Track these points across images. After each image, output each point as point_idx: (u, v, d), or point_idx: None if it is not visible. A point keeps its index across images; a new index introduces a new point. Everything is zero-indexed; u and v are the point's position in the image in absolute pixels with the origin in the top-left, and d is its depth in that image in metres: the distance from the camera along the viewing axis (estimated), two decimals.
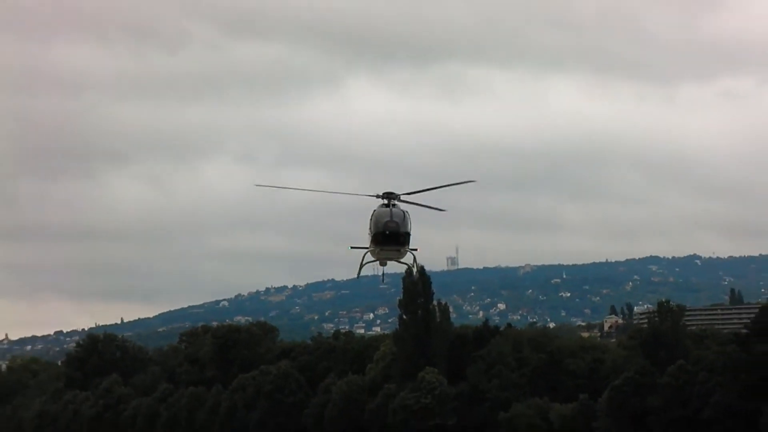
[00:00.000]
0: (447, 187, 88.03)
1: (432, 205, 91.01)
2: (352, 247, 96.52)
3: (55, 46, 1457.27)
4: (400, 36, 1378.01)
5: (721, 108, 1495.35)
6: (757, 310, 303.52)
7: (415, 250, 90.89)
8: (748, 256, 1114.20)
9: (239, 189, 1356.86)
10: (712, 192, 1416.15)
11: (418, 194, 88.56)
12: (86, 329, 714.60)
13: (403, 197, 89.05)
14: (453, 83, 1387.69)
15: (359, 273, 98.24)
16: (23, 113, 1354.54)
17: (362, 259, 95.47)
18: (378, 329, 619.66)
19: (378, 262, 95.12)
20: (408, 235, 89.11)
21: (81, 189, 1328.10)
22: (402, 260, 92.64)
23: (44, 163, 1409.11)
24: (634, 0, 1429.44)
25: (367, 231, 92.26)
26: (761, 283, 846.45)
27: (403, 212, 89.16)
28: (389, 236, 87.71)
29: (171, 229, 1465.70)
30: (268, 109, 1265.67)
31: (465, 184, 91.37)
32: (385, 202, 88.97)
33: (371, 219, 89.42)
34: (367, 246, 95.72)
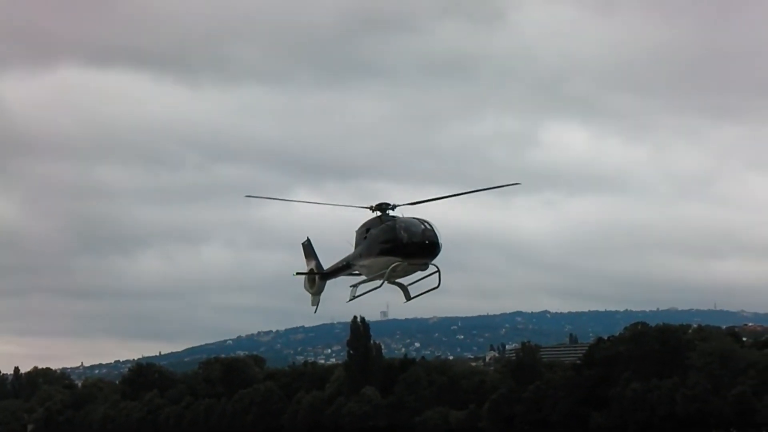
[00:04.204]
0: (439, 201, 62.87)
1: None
2: (296, 273, 71.95)
3: (95, 168, 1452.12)
4: (329, 161, 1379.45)
5: (543, 212, 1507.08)
6: (586, 349, 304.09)
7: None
8: (580, 311, 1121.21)
9: (225, 264, 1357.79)
10: (544, 267, 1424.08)
11: (418, 205, 62.51)
12: (135, 359, 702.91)
13: (399, 208, 62.57)
14: (363, 193, 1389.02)
15: (352, 298, 65.34)
16: (77, 213, 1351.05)
17: (355, 289, 64.37)
18: (333, 360, 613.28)
19: (371, 282, 62.80)
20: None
21: (119, 263, 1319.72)
22: (399, 283, 62.37)
23: (93, 246, 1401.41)
24: (481, 140, 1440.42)
25: (358, 248, 63.49)
26: (589, 330, 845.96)
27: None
28: (427, 247, 58.80)
29: (181, 291, 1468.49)
30: (241, 210, 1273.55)
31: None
32: (379, 213, 62.21)
33: (383, 231, 60.05)
34: (309, 271, 69.49)
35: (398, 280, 63.31)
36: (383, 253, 60.53)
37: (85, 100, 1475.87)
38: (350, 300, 65.78)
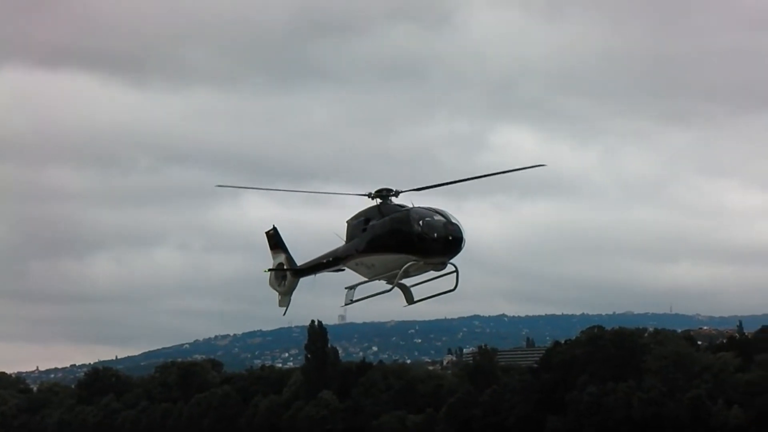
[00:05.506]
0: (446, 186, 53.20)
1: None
2: (268, 270, 62.59)
3: (45, 170, 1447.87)
4: (280, 164, 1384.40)
5: (494, 215, 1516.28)
6: (543, 352, 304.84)
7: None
8: (537, 315, 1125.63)
9: (180, 267, 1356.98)
10: (500, 271, 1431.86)
11: (426, 190, 52.16)
12: (91, 363, 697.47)
13: (403, 195, 52.36)
14: (314, 196, 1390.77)
15: (348, 302, 54.88)
16: (28, 216, 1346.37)
17: (352, 292, 53.27)
18: (291, 364, 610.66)
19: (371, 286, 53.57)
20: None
21: (73, 266, 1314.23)
22: (402, 283, 51.60)
23: (46, 249, 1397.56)
24: (432, 143, 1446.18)
25: (353, 242, 53.10)
26: (546, 334, 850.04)
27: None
28: (450, 243, 49.14)
29: (137, 295, 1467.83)
30: (193, 213, 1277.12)
31: None
32: (379, 201, 51.97)
33: (392, 223, 49.41)
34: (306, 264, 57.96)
35: (401, 281, 53.11)
36: (392, 249, 50.15)
37: (34, 102, 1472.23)
38: (346, 305, 56.18)
